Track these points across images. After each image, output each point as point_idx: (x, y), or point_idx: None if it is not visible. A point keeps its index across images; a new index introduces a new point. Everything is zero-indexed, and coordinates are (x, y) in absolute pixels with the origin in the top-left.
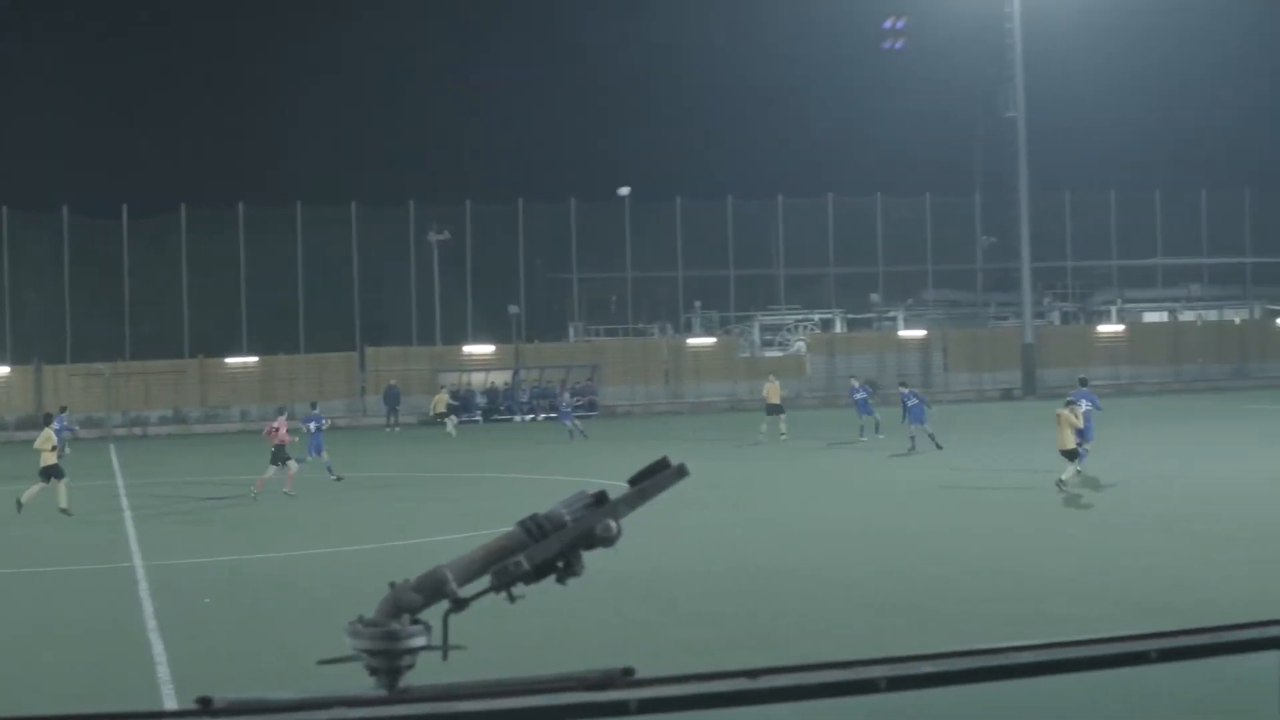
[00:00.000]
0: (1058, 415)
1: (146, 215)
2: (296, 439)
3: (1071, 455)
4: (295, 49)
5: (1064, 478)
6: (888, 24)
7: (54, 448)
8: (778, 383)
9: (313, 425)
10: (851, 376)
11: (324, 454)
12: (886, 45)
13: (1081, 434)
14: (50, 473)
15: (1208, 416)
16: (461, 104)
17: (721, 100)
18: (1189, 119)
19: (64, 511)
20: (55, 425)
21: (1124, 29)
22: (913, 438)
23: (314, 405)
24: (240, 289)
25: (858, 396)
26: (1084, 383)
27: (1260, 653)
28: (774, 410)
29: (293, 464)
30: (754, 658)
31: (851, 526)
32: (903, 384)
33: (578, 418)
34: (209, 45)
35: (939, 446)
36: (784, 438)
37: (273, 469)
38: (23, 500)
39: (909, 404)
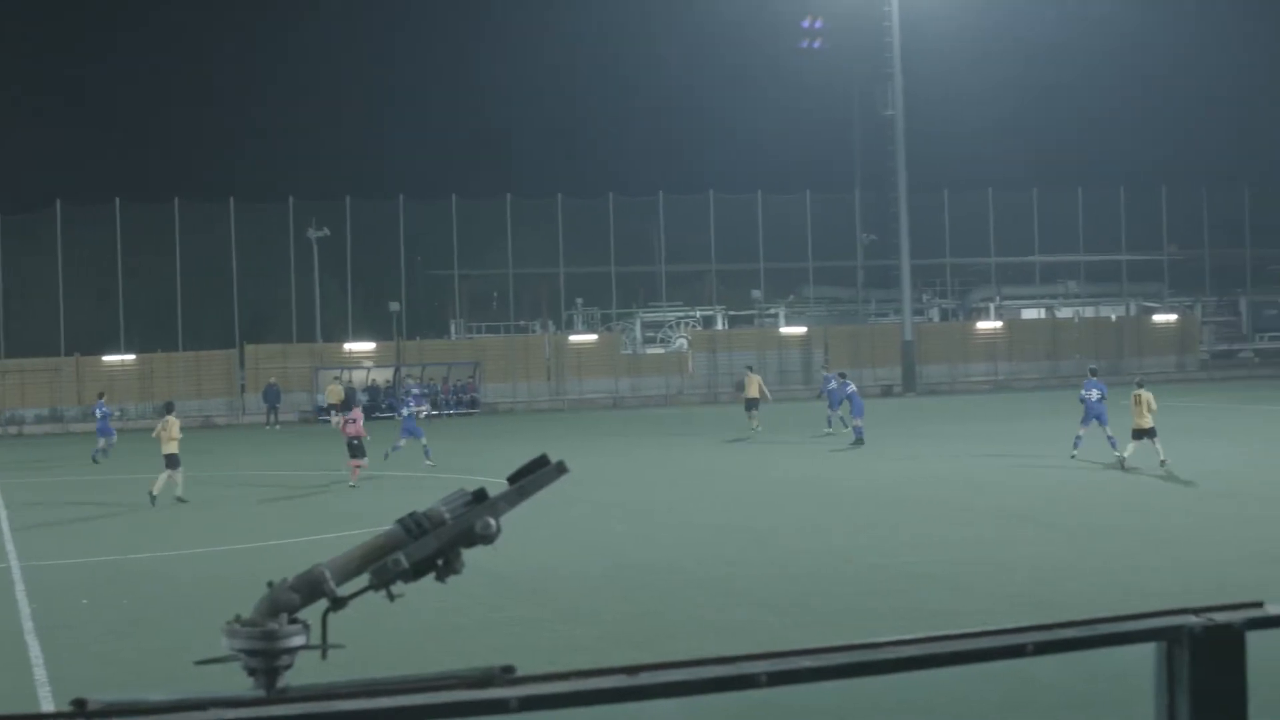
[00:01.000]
0: (1135, 396)
1: (21, 211)
2: (370, 437)
3: (1149, 434)
4: (169, 43)
5: (1163, 459)
6: (806, 23)
7: (175, 438)
8: (758, 378)
9: (405, 411)
10: (823, 368)
11: (422, 438)
12: (805, 44)
13: (1099, 419)
14: (171, 462)
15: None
16: (340, 99)
17: (603, 98)
18: (1065, 118)
19: (180, 499)
20: (99, 411)
21: (1000, 29)
22: (858, 427)
23: (409, 390)
24: (117, 286)
25: (830, 388)
26: (1094, 373)
27: (1133, 645)
28: (751, 405)
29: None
30: (635, 654)
31: (732, 522)
32: (842, 374)
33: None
34: (81, 39)
35: (849, 435)
36: (757, 430)
37: (365, 459)
38: (154, 492)
39: (848, 392)
